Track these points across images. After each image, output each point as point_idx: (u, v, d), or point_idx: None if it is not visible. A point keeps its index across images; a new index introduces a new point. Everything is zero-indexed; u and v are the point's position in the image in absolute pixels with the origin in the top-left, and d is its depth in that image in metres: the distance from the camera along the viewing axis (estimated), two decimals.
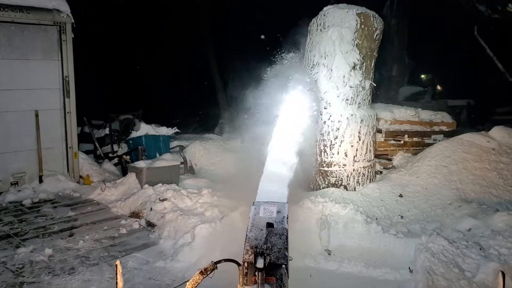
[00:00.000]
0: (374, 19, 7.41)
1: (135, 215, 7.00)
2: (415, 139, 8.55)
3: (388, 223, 6.37)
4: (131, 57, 17.12)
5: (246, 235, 2.61)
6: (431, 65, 18.94)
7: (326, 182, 7.45)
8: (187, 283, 2.26)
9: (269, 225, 2.66)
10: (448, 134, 8.71)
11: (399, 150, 8.44)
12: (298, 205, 6.33)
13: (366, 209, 6.65)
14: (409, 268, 4.92)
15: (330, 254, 5.61)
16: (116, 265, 2.25)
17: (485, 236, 5.20)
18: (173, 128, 9.82)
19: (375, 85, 7.79)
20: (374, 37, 7.49)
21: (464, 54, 16.36)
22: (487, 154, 7.38)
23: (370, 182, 7.67)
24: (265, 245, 2.45)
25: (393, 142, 8.38)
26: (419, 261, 4.50)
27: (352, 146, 7.31)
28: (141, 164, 8.04)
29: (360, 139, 7.35)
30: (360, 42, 7.31)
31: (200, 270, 2.24)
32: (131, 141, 9.23)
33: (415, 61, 15.96)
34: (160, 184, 7.52)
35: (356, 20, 7.22)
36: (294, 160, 4.71)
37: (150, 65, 18.01)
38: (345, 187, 7.44)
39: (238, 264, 2.37)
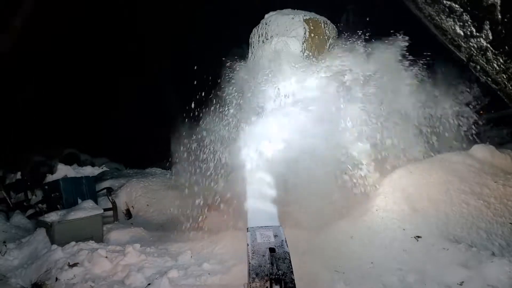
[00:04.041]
0: (326, 26, 6.24)
1: (37, 287, 5.39)
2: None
3: (359, 276, 5.01)
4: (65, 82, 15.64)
5: (249, 263, 2.53)
6: None
7: None
8: None
9: (271, 250, 2.60)
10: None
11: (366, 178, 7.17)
12: None
13: (333, 259, 5.30)
14: None
15: None
16: None
17: None
18: (101, 167, 8.23)
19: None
20: (327, 47, 6.30)
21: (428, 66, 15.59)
22: (470, 178, 6.20)
23: (335, 220, 6.34)
24: (279, 271, 2.41)
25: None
26: None
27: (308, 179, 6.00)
28: (52, 217, 6.45)
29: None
30: (310, 53, 6.09)
31: None
32: (46, 187, 7.57)
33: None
34: (73, 243, 5.97)
35: (304, 28, 6.04)
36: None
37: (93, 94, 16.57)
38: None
39: None
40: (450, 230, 5.59)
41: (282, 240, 2.75)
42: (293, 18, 6.10)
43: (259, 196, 4.28)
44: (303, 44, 6.04)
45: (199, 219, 7.16)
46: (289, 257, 2.60)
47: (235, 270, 4.92)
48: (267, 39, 6.14)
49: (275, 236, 2.80)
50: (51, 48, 14.98)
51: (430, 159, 6.85)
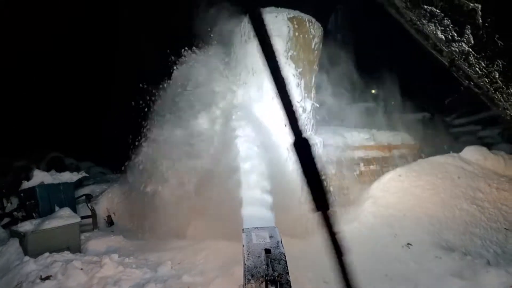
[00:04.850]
0: (311, 24, 5.97)
1: None
2: (372, 167, 7.07)
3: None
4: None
5: (244, 264, 2.43)
6: (382, 79, 18.03)
7: None
8: None
9: (267, 251, 2.54)
10: (411, 158, 7.31)
11: (355, 182, 6.93)
12: None
13: (321, 267, 5.03)
14: None
15: None
16: None
17: None
18: (80, 173, 7.86)
19: (318, 105, 6.28)
20: (313, 46, 6.04)
21: (416, 67, 15.53)
22: (462, 182, 5.98)
23: (322, 226, 6.07)
24: (275, 273, 2.36)
25: (347, 173, 6.86)
26: None
27: (295, 184, 5.71)
28: (25, 226, 6.10)
29: None
30: (295, 53, 5.83)
31: None
32: (22, 194, 7.22)
33: (365, 75, 14.92)
34: (47, 254, 5.64)
35: (288, 27, 5.77)
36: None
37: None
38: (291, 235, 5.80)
39: None
40: (442, 236, 5.36)
41: (277, 241, 2.69)
42: (276, 17, 5.80)
43: (253, 198, 4.26)
44: (287, 43, 5.76)
45: (183, 226, 6.86)
46: (285, 258, 2.52)
47: (216, 283, 4.64)
48: (250, 38, 5.86)
49: (271, 237, 2.75)
50: (36, 49, 14.61)
51: (420, 162, 6.62)
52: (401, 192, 6.22)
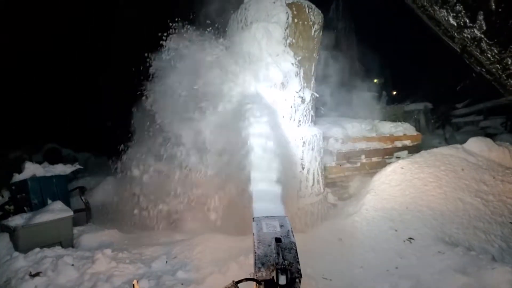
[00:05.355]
0: (310, 10, 5.76)
1: None
2: (374, 159, 6.89)
3: (348, 283, 4.60)
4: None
5: (255, 253, 2.44)
6: (383, 68, 17.84)
7: None
8: None
9: (277, 240, 2.55)
10: (413, 149, 7.13)
11: (356, 174, 6.75)
12: None
13: (320, 263, 4.89)
14: None
15: None
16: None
17: None
18: (74, 165, 7.66)
19: (317, 95, 6.07)
20: (312, 33, 5.83)
21: (417, 56, 15.34)
22: (466, 174, 5.79)
23: (322, 220, 5.93)
24: (285, 261, 2.34)
25: (347, 165, 6.68)
26: None
27: (293, 177, 5.54)
28: (16, 220, 5.93)
29: (303, 168, 5.59)
30: (294, 40, 5.63)
31: None
32: (13, 187, 7.04)
33: (366, 65, 14.71)
34: (37, 249, 5.48)
35: (287, 13, 5.56)
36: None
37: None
38: None
39: (259, 283, 2.32)
40: (445, 231, 5.19)
41: (288, 230, 2.68)
42: (274, 2, 5.59)
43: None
44: (285, 30, 5.54)
45: (180, 218, 6.70)
46: (295, 247, 2.50)
47: (210, 280, 4.48)
48: (246, 25, 5.64)
49: (281, 226, 2.74)
50: (32, 40, 14.40)
51: (422, 154, 6.44)
52: (403, 185, 6.05)
